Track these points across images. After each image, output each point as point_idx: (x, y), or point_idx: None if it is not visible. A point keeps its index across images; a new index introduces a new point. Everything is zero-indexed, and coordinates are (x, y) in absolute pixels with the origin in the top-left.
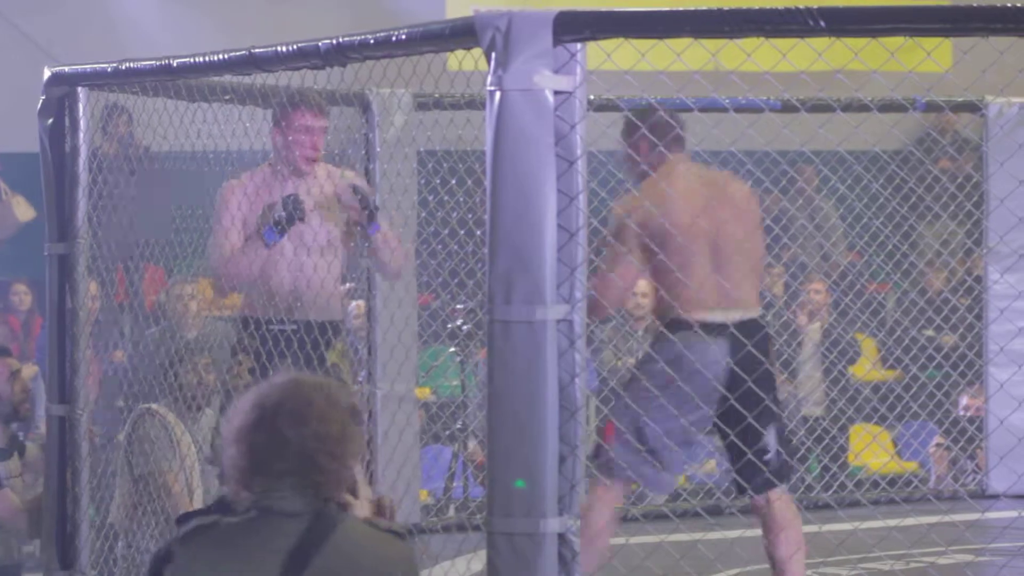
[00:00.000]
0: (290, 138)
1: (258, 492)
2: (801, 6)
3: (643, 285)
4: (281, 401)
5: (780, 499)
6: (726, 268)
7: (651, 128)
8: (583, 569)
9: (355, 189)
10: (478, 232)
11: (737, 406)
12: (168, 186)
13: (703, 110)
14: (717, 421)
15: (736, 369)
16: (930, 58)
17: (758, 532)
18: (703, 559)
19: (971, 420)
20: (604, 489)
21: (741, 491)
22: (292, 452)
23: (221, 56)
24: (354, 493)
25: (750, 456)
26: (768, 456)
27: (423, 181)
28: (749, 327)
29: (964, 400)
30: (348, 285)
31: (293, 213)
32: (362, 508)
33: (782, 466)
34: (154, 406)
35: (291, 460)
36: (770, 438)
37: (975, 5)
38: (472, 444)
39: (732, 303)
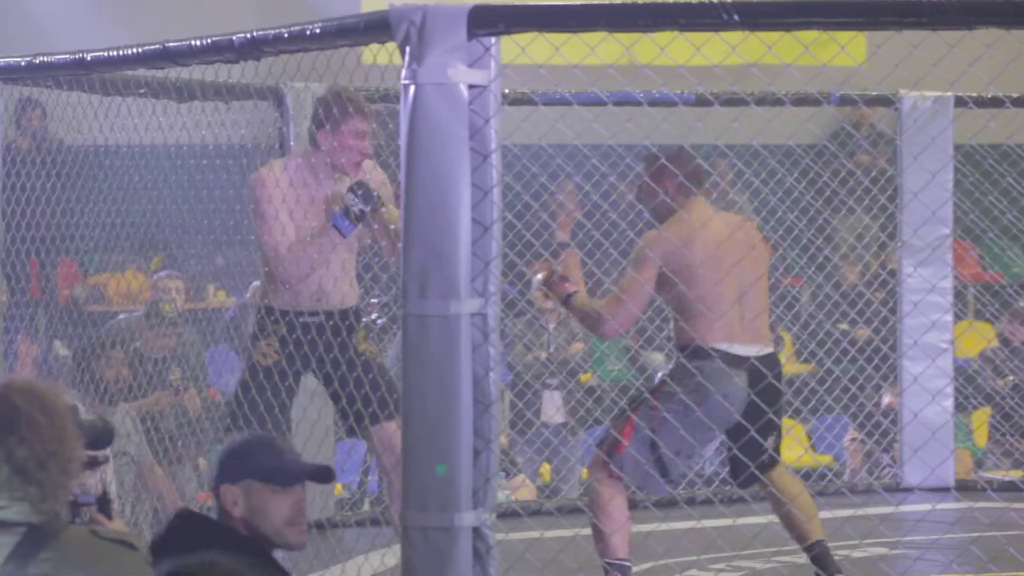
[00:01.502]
0: (339, 143)
1: None
2: (715, 0)
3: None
4: None
5: (778, 475)
6: (747, 303)
7: (677, 166)
8: (616, 555)
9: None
10: (392, 226)
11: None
12: (83, 179)
13: (617, 104)
14: (725, 438)
15: (756, 400)
16: (844, 52)
17: (672, 526)
18: None
19: (885, 413)
20: (613, 481)
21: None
22: (1, 462)
23: (135, 50)
24: (107, 514)
25: (752, 468)
26: (764, 459)
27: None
28: (769, 360)
29: (887, 399)
30: None
31: (371, 201)
32: (115, 522)
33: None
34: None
35: (1, 470)
36: (771, 447)
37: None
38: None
39: (753, 338)
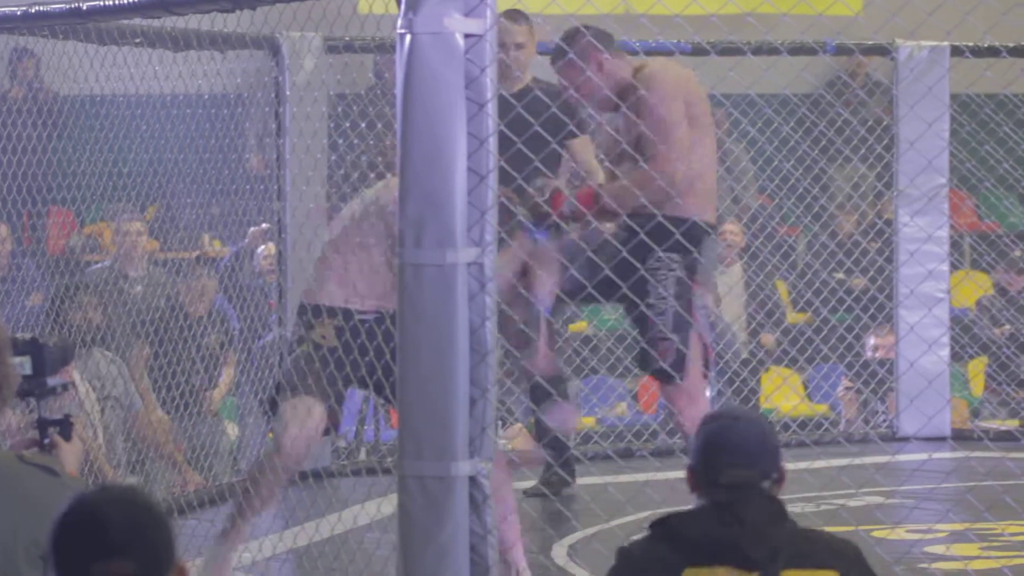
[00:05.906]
0: None
1: None
2: None
3: None
4: None
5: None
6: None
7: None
8: None
9: None
10: (388, 175)
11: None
12: (79, 129)
13: None
14: None
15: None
16: (840, 1)
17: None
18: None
19: (881, 363)
20: None
21: None
22: None
23: None
24: (66, 436)
25: None
26: None
27: (333, 124)
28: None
29: (872, 340)
30: (264, 225)
31: None
32: (72, 452)
33: None
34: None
35: None
36: None
37: None
38: None
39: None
